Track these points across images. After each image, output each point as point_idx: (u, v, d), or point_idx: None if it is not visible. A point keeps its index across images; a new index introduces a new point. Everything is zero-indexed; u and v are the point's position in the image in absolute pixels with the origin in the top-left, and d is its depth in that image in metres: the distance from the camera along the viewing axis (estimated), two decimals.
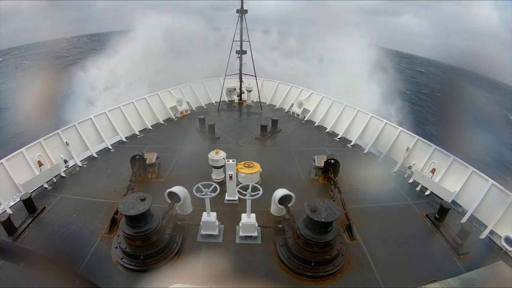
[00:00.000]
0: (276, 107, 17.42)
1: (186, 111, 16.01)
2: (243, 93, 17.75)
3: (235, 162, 7.90)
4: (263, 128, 13.03)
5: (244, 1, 14.80)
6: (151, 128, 13.90)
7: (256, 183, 7.40)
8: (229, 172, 7.88)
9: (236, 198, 8.20)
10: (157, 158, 10.30)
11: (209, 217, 7.07)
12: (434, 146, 10.11)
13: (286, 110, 16.81)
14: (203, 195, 6.73)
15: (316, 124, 14.84)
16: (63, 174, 9.86)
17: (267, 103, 17.97)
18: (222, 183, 8.81)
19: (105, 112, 12.46)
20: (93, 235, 7.15)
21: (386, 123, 12.09)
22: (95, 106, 25.67)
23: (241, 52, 15.92)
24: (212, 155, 8.83)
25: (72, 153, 10.57)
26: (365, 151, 12.26)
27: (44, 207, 8.13)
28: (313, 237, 6.04)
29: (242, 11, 14.96)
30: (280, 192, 7.42)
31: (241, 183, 7.26)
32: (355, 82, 29.34)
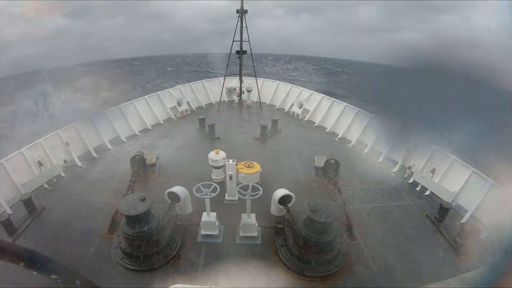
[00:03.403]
0: (276, 107, 17.41)
1: (186, 111, 16.01)
2: (243, 93, 17.75)
3: (235, 162, 7.90)
4: (263, 128, 13.03)
5: (244, 1, 14.81)
6: (151, 128, 13.89)
7: (256, 183, 7.40)
8: (229, 172, 7.88)
9: (236, 198, 8.19)
10: (157, 158, 10.29)
11: (209, 217, 7.07)
12: (434, 146, 10.11)
13: (286, 110, 16.81)
14: (203, 195, 6.73)
15: (316, 124, 14.83)
16: (63, 174, 9.86)
17: (267, 103, 17.97)
18: (222, 183, 8.81)
19: (105, 112, 12.46)
20: (93, 235, 7.14)
21: None
22: None
23: (241, 52, 15.93)
24: (212, 155, 8.82)
25: (72, 153, 10.56)
26: (365, 151, 12.25)
27: (44, 207, 8.12)
28: (313, 237, 6.04)
29: (242, 11, 14.96)
30: (280, 192, 7.41)
31: (241, 183, 7.25)
32: None
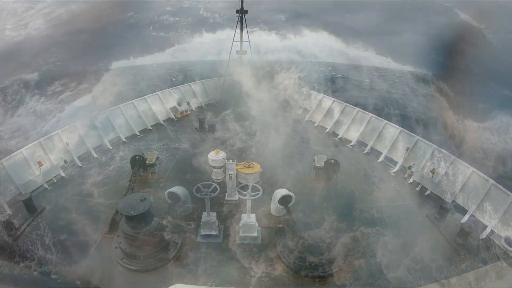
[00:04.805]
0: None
1: (186, 111, 16.00)
2: None
3: (235, 162, 7.90)
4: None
5: (244, 1, 14.79)
6: (151, 128, 13.89)
7: (256, 183, 7.40)
8: (229, 172, 7.88)
9: (236, 198, 8.20)
10: (157, 158, 10.29)
11: (209, 217, 7.07)
12: (434, 146, 10.11)
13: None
14: (203, 195, 6.74)
15: (316, 124, 14.83)
16: (63, 174, 9.85)
17: None
18: (222, 183, 8.81)
19: (105, 112, 12.46)
20: (93, 235, 7.15)
21: (386, 123, 12.08)
22: None
23: (241, 52, 15.91)
24: (212, 155, 8.82)
25: (72, 153, 10.56)
26: (365, 151, 12.24)
27: (44, 207, 8.12)
28: (312, 237, 6.04)
29: (242, 11, 14.94)
30: (280, 192, 7.42)
31: (241, 183, 7.26)
32: None
